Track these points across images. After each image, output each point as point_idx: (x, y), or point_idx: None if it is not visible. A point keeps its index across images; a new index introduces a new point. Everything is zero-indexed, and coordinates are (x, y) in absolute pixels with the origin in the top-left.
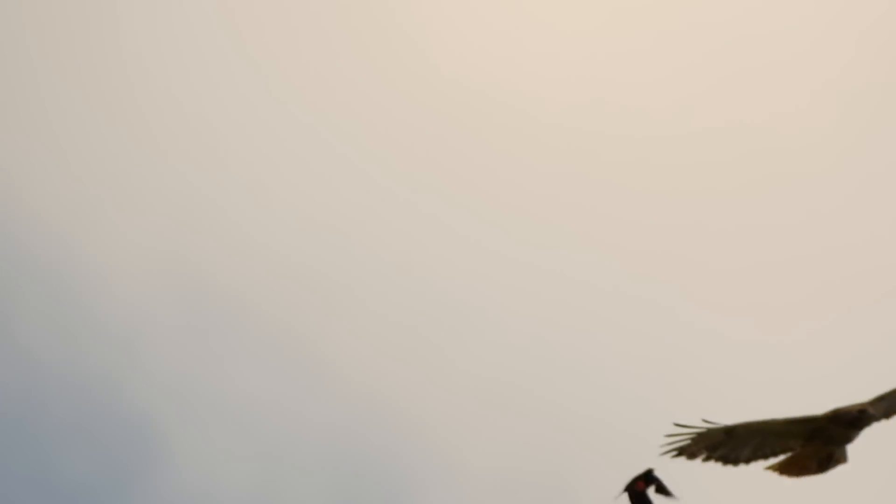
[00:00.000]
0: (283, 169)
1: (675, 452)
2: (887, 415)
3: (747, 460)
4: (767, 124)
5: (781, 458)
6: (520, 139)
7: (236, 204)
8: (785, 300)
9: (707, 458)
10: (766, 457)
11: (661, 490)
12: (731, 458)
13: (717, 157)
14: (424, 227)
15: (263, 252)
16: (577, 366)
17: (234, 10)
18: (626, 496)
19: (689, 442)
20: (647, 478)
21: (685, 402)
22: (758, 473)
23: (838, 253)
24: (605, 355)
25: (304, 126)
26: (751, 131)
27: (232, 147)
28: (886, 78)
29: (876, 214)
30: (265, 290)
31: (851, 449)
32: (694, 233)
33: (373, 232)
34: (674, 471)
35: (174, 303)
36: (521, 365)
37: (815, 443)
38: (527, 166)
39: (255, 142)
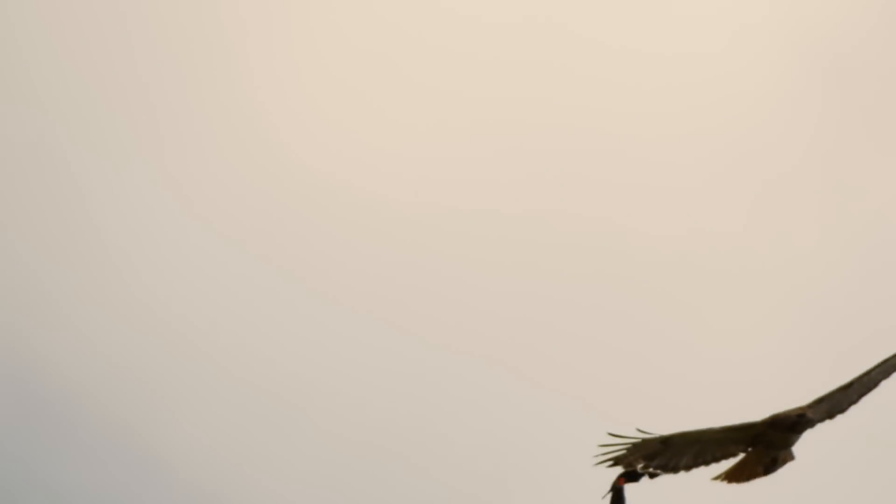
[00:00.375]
0: (115, 259)
1: (610, 462)
2: (830, 415)
3: (687, 468)
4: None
5: (724, 465)
6: (362, 227)
7: (68, 295)
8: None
9: (645, 468)
10: (706, 463)
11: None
12: (670, 467)
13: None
14: (263, 310)
15: (93, 341)
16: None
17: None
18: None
19: (624, 452)
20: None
21: (542, 467)
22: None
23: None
24: (466, 419)
25: (136, 214)
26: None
27: (61, 239)
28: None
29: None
30: (95, 379)
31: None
32: (535, 308)
33: (207, 317)
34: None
35: (3, 396)
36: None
37: (757, 448)
38: (369, 249)
39: (85, 233)
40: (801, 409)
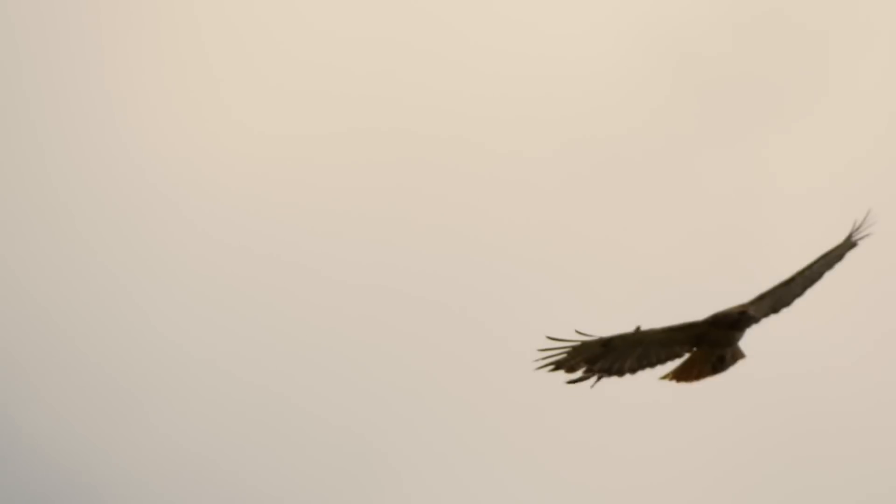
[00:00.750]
0: None
1: (552, 367)
2: (775, 310)
3: (632, 370)
4: None
5: (670, 365)
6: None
7: None
8: None
9: (588, 371)
10: (651, 365)
11: None
12: (614, 370)
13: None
14: (125, 291)
15: None
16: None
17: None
18: None
19: (565, 356)
20: None
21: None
22: None
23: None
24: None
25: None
26: None
27: None
28: None
29: None
30: None
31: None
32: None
33: (76, 296)
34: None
35: None
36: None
37: (702, 347)
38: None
39: None
40: (742, 306)
